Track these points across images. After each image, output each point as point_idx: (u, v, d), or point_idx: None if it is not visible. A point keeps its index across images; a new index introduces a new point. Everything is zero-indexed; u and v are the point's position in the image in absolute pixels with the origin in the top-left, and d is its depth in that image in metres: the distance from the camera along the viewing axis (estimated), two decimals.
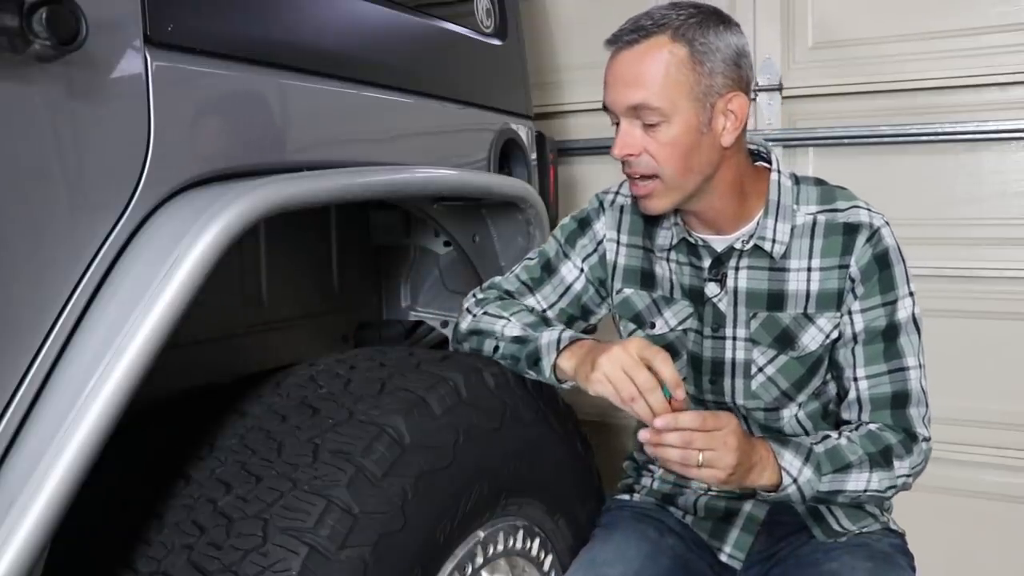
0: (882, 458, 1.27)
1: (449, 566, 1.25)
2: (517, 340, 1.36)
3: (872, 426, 1.31)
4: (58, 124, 0.97)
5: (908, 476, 1.29)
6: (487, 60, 1.92)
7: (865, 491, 1.27)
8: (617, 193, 1.47)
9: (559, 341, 1.30)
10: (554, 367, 1.29)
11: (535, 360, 1.32)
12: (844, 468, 1.26)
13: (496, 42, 1.95)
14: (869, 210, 1.31)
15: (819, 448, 1.26)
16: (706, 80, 1.22)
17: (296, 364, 1.41)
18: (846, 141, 2.21)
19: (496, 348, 1.38)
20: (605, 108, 1.28)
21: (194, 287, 1.03)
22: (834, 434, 1.30)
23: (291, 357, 1.57)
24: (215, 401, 1.33)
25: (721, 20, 1.25)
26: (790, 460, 1.24)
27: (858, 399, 1.32)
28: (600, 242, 1.46)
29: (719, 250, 1.34)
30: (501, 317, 1.41)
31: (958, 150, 2.11)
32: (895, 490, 1.30)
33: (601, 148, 2.47)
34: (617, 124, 1.27)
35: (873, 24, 2.14)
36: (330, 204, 1.69)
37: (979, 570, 2.14)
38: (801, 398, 1.37)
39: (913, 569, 1.38)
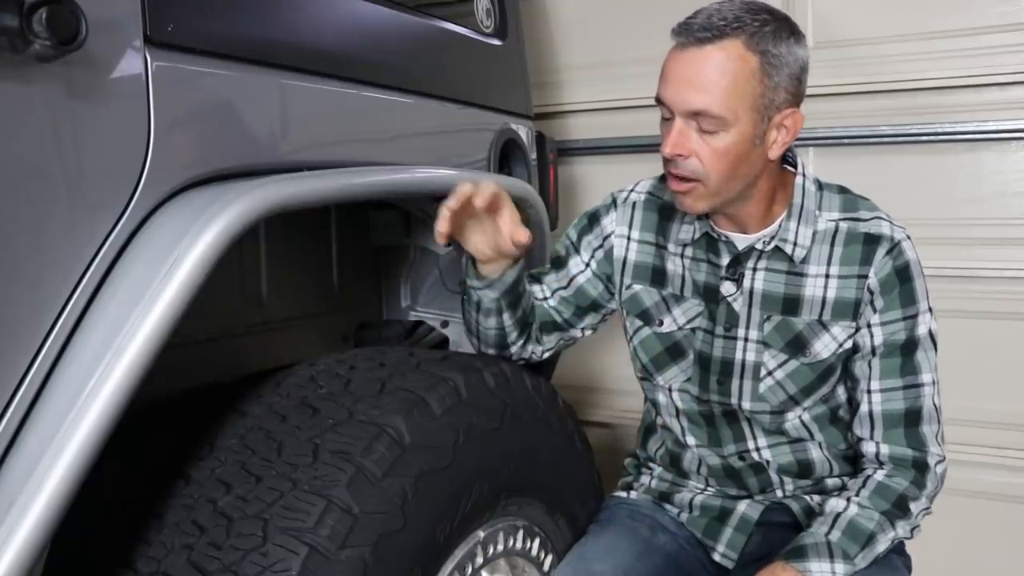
0: (898, 509, 1.28)
1: (449, 566, 1.25)
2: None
3: (879, 475, 1.30)
4: (58, 124, 0.97)
5: (927, 508, 1.30)
6: (487, 60, 1.92)
7: (894, 542, 1.29)
8: (632, 191, 1.46)
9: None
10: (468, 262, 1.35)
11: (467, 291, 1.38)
12: (869, 541, 1.26)
13: (496, 42, 1.95)
14: (891, 223, 1.30)
15: (835, 536, 1.26)
16: (770, 94, 1.20)
17: (296, 364, 1.41)
18: (846, 141, 2.20)
19: (467, 313, 1.42)
20: (659, 100, 1.24)
21: (194, 287, 1.03)
22: (841, 504, 1.29)
23: (291, 357, 1.57)
24: (215, 401, 1.33)
25: (792, 31, 1.22)
26: (818, 568, 1.23)
27: (870, 414, 1.31)
28: (607, 237, 1.45)
29: (740, 248, 1.33)
30: None
31: (958, 150, 2.10)
32: (919, 528, 1.31)
33: (601, 148, 2.47)
34: (668, 118, 1.24)
35: (873, 24, 2.14)
36: (330, 204, 1.68)
37: (979, 570, 2.13)
38: (808, 403, 1.36)
39: (909, 570, 1.39)
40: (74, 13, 0.91)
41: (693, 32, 1.19)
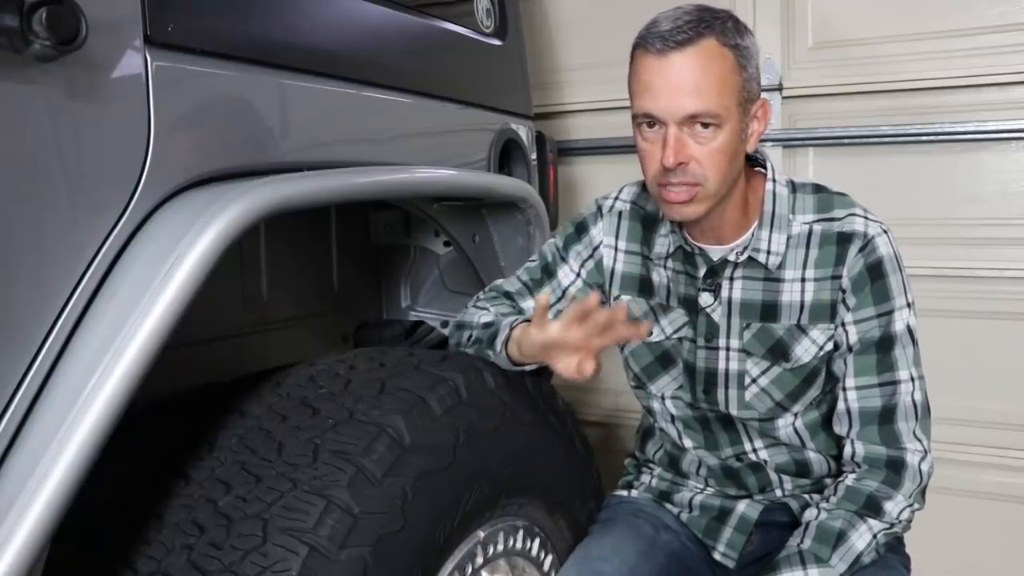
0: (868, 509, 1.26)
1: (449, 566, 1.25)
2: (486, 326, 1.38)
3: (849, 479, 1.29)
4: (58, 124, 0.97)
5: (908, 506, 1.27)
6: (487, 60, 1.92)
7: (875, 540, 1.26)
8: (616, 199, 1.46)
9: (515, 320, 1.33)
10: (506, 341, 1.31)
11: (492, 338, 1.34)
12: (840, 539, 1.25)
13: (496, 42, 1.95)
14: (866, 218, 1.28)
15: (806, 543, 1.25)
16: (748, 86, 1.22)
17: (296, 364, 1.41)
18: (846, 141, 2.21)
19: (470, 337, 1.40)
20: (644, 114, 1.21)
21: (194, 287, 1.03)
22: (813, 513, 1.29)
23: (291, 357, 1.57)
24: (215, 401, 1.33)
25: (744, 24, 1.24)
26: None
27: (847, 411, 1.30)
28: (596, 247, 1.45)
29: (715, 259, 1.33)
30: (482, 310, 1.43)
31: (958, 150, 2.11)
32: (903, 524, 1.28)
33: (601, 148, 2.47)
34: (649, 124, 1.22)
35: (873, 24, 2.14)
36: (330, 204, 1.69)
37: (979, 570, 2.14)
38: (797, 408, 1.35)
39: (908, 570, 1.38)
40: (74, 13, 0.91)
41: (668, 39, 1.17)
